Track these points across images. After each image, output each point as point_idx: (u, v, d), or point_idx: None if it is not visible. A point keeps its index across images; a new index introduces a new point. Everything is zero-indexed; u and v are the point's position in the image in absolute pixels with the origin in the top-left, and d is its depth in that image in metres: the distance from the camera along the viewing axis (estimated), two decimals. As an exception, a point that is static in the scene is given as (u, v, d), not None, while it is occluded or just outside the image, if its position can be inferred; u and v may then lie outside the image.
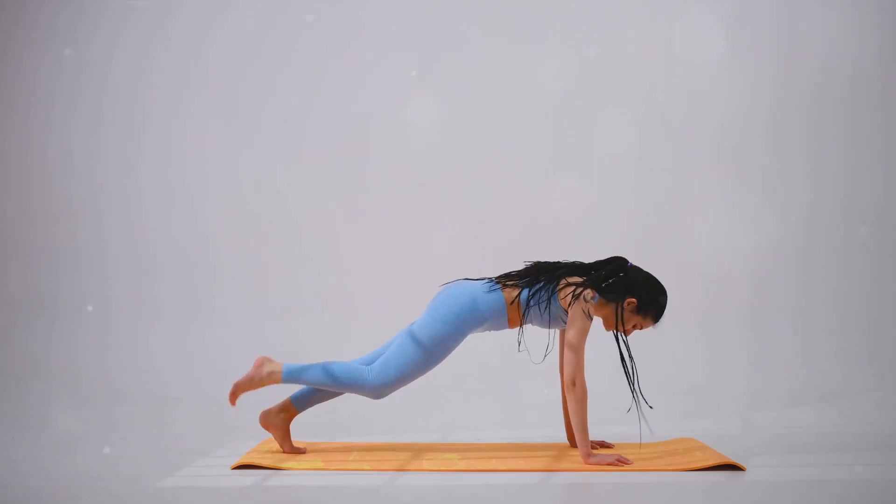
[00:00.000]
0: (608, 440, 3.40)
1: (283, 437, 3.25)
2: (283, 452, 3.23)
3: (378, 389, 3.15)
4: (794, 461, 3.20)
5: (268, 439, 3.45)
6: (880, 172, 4.77)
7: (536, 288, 3.17)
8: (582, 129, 4.89)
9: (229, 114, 4.98)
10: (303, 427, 3.42)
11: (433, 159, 4.92)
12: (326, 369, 3.16)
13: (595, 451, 3.18)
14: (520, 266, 3.29)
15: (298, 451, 3.25)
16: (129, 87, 4.98)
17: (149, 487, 2.85)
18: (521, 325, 3.22)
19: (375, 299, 4.77)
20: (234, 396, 3.20)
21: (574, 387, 3.08)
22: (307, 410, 3.29)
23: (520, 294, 3.19)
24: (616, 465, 3.05)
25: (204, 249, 4.92)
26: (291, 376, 3.18)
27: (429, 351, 3.15)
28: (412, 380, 3.17)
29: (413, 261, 4.82)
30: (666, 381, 4.28)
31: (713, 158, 4.85)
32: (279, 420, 3.24)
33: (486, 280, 3.25)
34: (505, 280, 3.23)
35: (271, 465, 3.06)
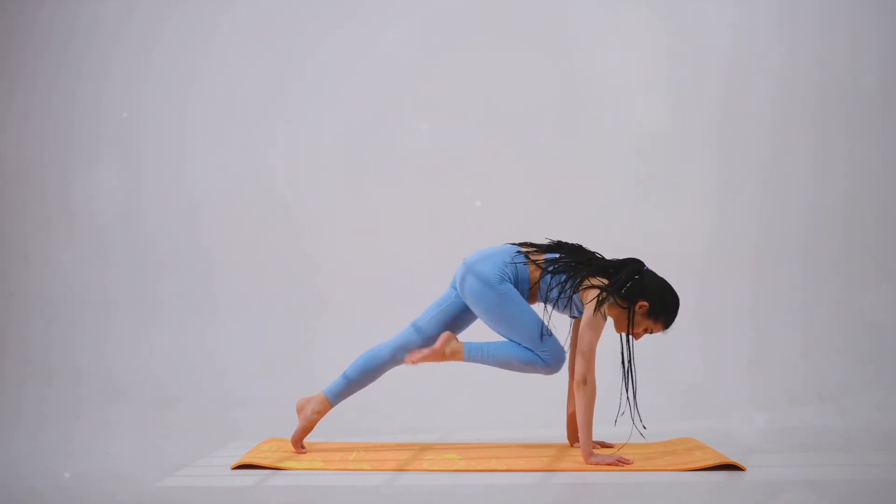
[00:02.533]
0: (608, 440, 3.41)
1: (303, 430, 3.30)
2: (293, 446, 3.26)
3: (555, 366, 3.21)
4: (794, 461, 3.21)
5: (268, 439, 3.46)
6: (881, 172, 4.77)
7: (559, 282, 3.20)
8: (582, 125, 4.88)
9: (228, 112, 4.97)
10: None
11: (432, 157, 4.91)
12: (504, 352, 3.21)
13: (595, 451, 3.19)
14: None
15: (300, 451, 3.26)
16: (128, 86, 4.99)
17: (149, 487, 2.86)
18: (546, 313, 3.27)
19: (375, 297, 4.78)
20: (415, 361, 3.22)
21: (585, 385, 3.10)
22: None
23: (541, 277, 3.23)
24: (616, 465, 3.06)
25: (204, 249, 4.91)
26: (471, 355, 3.23)
27: (524, 317, 3.20)
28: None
29: (413, 259, 4.82)
30: (666, 381, 4.29)
31: (713, 156, 4.86)
32: (311, 415, 3.29)
33: (510, 247, 3.30)
34: (529, 252, 3.28)
35: (271, 465, 3.07)
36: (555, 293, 3.21)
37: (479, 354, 3.23)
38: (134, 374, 4.54)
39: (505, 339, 3.24)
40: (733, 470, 3.00)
